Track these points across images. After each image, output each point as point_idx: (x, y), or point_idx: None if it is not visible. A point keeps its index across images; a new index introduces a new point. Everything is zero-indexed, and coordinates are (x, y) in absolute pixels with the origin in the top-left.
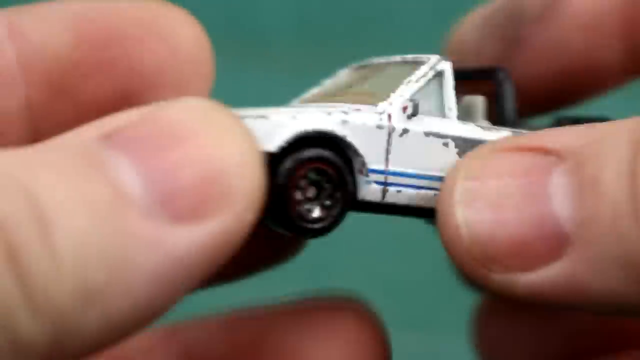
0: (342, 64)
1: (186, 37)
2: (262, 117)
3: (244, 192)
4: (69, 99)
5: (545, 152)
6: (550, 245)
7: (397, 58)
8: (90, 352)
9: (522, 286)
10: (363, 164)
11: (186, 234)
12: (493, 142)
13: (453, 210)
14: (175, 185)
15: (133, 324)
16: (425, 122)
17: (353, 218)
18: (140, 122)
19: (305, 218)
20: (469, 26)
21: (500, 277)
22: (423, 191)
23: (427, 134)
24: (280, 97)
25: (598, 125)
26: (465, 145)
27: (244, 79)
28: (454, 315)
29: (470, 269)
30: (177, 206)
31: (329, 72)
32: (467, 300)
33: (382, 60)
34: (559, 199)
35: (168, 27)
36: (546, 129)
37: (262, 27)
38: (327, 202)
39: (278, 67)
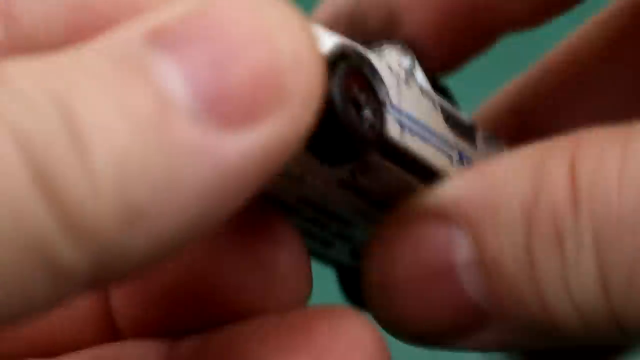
0: None
1: None
2: None
3: (301, 89)
4: None
5: (448, 222)
6: (473, 323)
7: None
8: (137, 271)
9: (458, 346)
10: (387, 94)
11: (237, 140)
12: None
13: (373, 311)
14: (224, 86)
15: (181, 241)
16: (419, 78)
17: None
18: (187, 18)
19: (360, 128)
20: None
21: (437, 345)
22: (429, 146)
23: (422, 90)
24: None
25: (493, 182)
26: (445, 114)
27: None
28: None
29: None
30: (227, 109)
31: None
32: None
33: None
34: (469, 280)
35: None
36: (448, 181)
37: None
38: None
39: None
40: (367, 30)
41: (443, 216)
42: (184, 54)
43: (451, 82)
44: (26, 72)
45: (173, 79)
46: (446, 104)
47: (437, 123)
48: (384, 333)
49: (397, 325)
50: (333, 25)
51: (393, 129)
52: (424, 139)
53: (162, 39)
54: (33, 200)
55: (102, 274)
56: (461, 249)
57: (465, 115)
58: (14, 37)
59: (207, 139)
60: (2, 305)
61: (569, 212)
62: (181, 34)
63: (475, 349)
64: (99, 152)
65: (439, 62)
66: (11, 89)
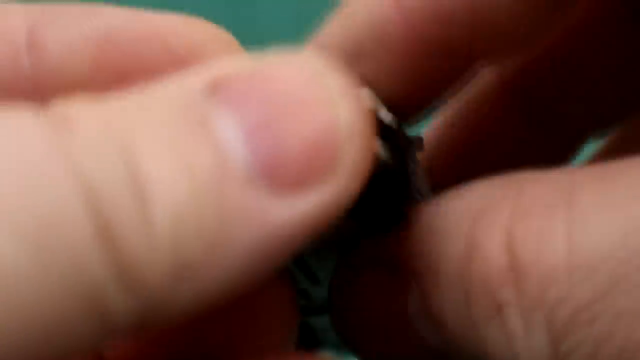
0: None
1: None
2: None
3: (353, 161)
4: None
5: (395, 271)
6: (436, 356)
7: None
8: (177, 321)
9: None
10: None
11: (288, 206)
12: None
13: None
14: (281, 152)
15: (223, 295)
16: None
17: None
18: (250, 77)
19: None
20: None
21: None
22: None
23: None
24: None
25: (432, 238)
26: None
27: None
28: None
29: None
30: (281, 175)
31: None
32: None
33: None
34: (425, 329)
35: (201, 60)
36: (392, 234)
37: (262, 27)
38: None
39: None
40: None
41: (392, 264)
42: (246, 111)
43: None
44: (91, 115)
45: (234, 137)
46: None
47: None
48: None
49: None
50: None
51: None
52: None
53: (225, 93)
54: (92, 248)
55: (146, 322)
56: (412, 300)
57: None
58: (40, 68)
59: (259, 202)
60: (47, 345)
61: (508, 285)
62: (245, 90)
63: None
64: (159, 206)
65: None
66: (77, 134)
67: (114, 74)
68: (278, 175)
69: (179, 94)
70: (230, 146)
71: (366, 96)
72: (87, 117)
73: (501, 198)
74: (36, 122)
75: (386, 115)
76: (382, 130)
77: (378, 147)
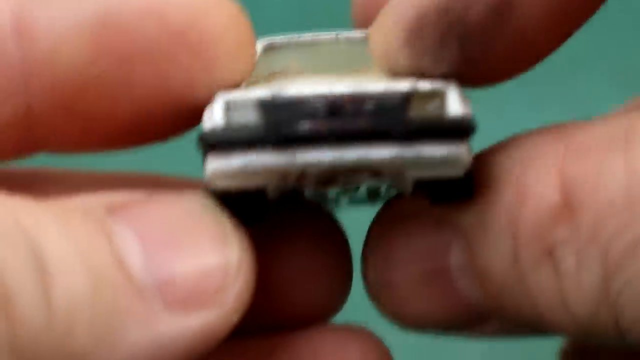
0: None
1: (226, 46)
2: None
3: (236, 294)
4: (78, 116)
5: (441, 226)
6: (474, 319)
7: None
8: None
9: (465, 336)
10: None
11: (176, 321)
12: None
13: (378, 307)
14: (172, 274)
15: None
16: None
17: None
18: (144, 204)
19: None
20: (393, 42)
21: (446, 335)
22: None
23: None
24: None
25: (481, 192)
26: None
27: None
28: None
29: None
30: (171, 294)
31: None
32: None
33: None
34: (465, 284)
35: (206, 36)
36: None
37: (262, 27)
38: None
39: None
40: (465, 26)
41: (437, 219)
42: (143, 229)
43: None
44: (2, 205)
45: (131, 249)
46: None
47: None
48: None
49: (398, 320)
50: (419, 23)
51: None
52: None
53: (124, 212)
54: None
55: None
56: (454, 254)
57: None
58: (30, 58)
59: (150, 310)
60: None
61: (561, 225)
62: (143, 212)
63: (482, 337)
64: (58, 288)
65: (548, 49)
66: (2, 220)
67: (113, 60)
68: (168, 293)
69: (83, 205)
70: (128, 255)
71: (458, 97)
72: None
73: (552, 143)
74: None
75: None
76: (469, 132)
77: (466, 152)
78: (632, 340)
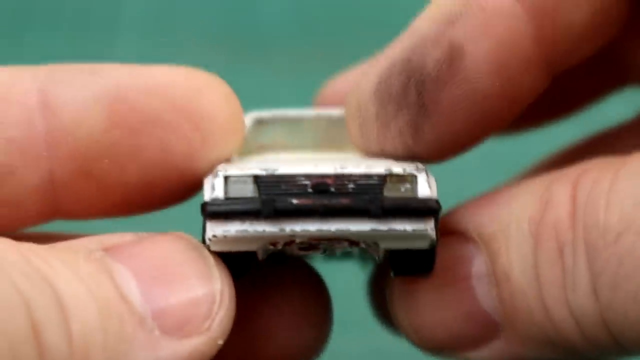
0: (343, 64)
1: (221, 121)
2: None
3: (221, 321)
4: (94, 180)
5: (466, 238)
6: (486, 333)
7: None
8: None
9: (473, 358)
10: None
11: (173, 345)
12: None
13: (395, 316)
14: (165, 305)
15: None
16: None
17: None
18: (136, 244)
19: None
20: (366, 90)
21: (453, 355)
22: None
23: None
24: (280, 97)
25: (505, 204)
26: None
27: (243, 79)
28: None
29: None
30: (166, 322)
31: (329, 72)
32: None
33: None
34: (483, 291)
35: (204, 112)
36: (463, 206)
37: (262, 27)
38: None
39: (278, 67)
40: (424, 74)
41: (462, 233)
42: (137, 269)
43: None
44: (13, 251)
45: (130, 285)
46: None
47: None
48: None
49: (416, 333)
50: (389, 74)
51: None
52: None
53: (119, 252)
54: (26, 345)
55: None
56: (476, 263)
57: None
58: (54, 128)
59: (151, 336)
60: None
61: (568, 227)
62: (133, 254)
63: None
64: (75, 321)
65: (503, 108)
66: (9, 262)
67: (125, 129)
68: (164, 322)
69: (83, 249)
70: (128, 291)
71: (426, 180)
72: (6, 249)
73: (572, 168)
74: None
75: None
76: (435, 212)
77: (432, 228)
78: (624, 342)
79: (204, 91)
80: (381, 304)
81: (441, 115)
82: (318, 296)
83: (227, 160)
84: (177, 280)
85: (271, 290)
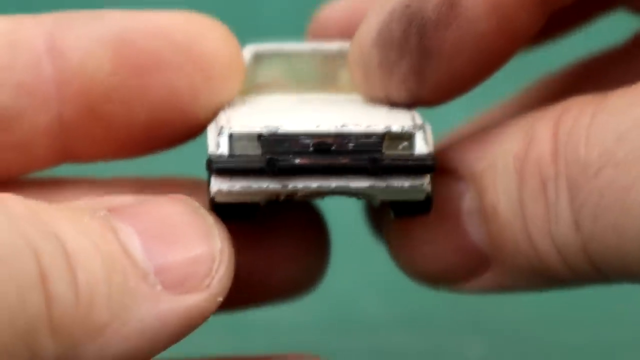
0: None
1: (221, 61)
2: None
3: (221, 279)
4: (101, 122)
5: (456, 176)
6: (476, 265)
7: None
8: None
9: (467, 289)
10: None
11: (174, 300)
12: None
13: (391, 250)
14: (167, 262)
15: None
16: None
17: (350, 215)
18: (139, 206)
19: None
20: (367, 37)
21: (447, 287)
22: None
23: None
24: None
25: (493, 142)
26: None
27: None
28: (454, 315)
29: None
30: (167, 278)
31: None
32: (468, 301)
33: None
34: (473, 226)
35: (206, 52)
36: (454, 145)
37: (262, 27)
38: None
39: None
40: (424, 17)
41: (453, 171)
42: (139, 227)
43: None
44: (20, 204)
45: (133, 241)
46: None
47: None
48: None
49: (413, 267)
50: (389, 20)
51: None
52: None
53: (121, 213)
54: (34, 288)
55: None
56: (467, 199)
57: None
58: (62, 72)
59: (153, 291)
60: None
61: (551, 163)
62: (136, 213)
63: (482, 292)
64: (80, 271)
65: (501, 47)
66: (16, 212)
67: (131, 70)
68: (165, 278)
69: (88, 208)
70: (132, 247)
71: (424, 138)
72: (15, 203)
73: (555, 106)
74: None
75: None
76: (431, 169)
77: (427, 183)
78: (605, 270)
79: (204, 33)
80: (378, 226)
81: (443, 58)
82: (316, 227)
83: (229, 103)
84: (177, 240)
85: (270, 222)
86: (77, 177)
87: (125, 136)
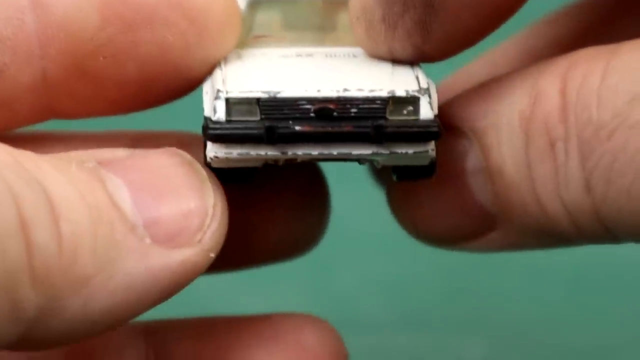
0: None
1: (215, 15)
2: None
3: (213, 232)
4: (89, 79)
5: (459, 133)
6: (482, 224)
7: None
8: (66, 339)
9: (471, 248)
10: None
11: (163, 254)
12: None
13: (395, 210)
14: (157, 215)
15: (106, 322)
16: None
17: (350, 215)
18: (130, 158)
19: None
20: None
21: (452, 246)
22: None
23: None
24: None
25: (495, 97)
26: None
27: None
28: (454, 315)
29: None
30: (157, 231)
31: None
32: (468, 301)
33: None
34: (478, 185)
35: (198, 6)
36: (456, 100)
37: None
38: None
39: None
40: None
41: (455, 128)
42: (130, 180)
43: None
44: (8, 154)
45: (122, 193)
46: None
47: None
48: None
49: (416, 226)
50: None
51: None
52: None
53: (111, 166)
54: (14, 237)
55: (41, 326)
56: (471, 158)
57: None
58: (45, 25)
59: (141, 245)
60: None
61: (559, 122)
62: (127, 166)
63: (487, 250)
64: (64, 221)
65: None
66: (11, 165)
67: (119, 25)
68: (155, 231)
69: (77, 159)
70: (120, 199)
71: (428, 103)
72: (4, 156)
73: (561, 59)
74: None
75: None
76: (436, 136)
77: (431, 149)
78: (615, 230)
79: None
80: (382, 184)
81: (448, 11)
82: (316, 185)
83: (225, 58)
84: (169, 192)
85: (269, 180)
86: (69, 131)
87: (115, 93)
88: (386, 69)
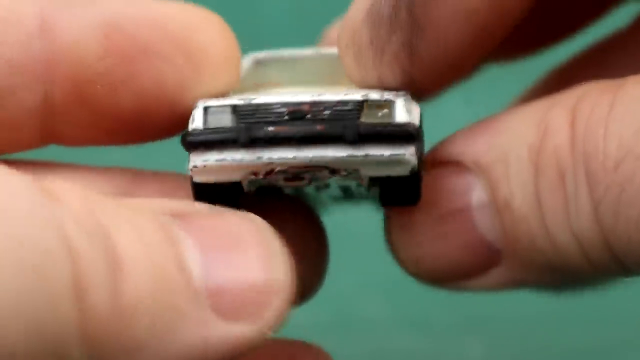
0: None
1: (214, 54)
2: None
3: (277, 310)
4: (88, 106)
5: (462, 168)
6: (486, 261)
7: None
8: None
9: (473, 287)
10: None
11: (223, 326)
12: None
13: (393, 248)
14: (223, 284)
15: None
16: None
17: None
18: (206, 216)
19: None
20: (357, 17)
21: (453, 285)
22: None
23: None
24: None
25: (502, 131)
26: None
27: None
28: (454, 315)
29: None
30: (220, 301)
31: None
32: (468, 301)
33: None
34: (483, 221)
35: (197, 44)
36: (456, 136)
37: (262, 27)
38: None
39: None
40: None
41: (459, 163)
42: (201, 241)
43: None
44: (75, 197)
45: (191, 256)
46: None
47: None
48: None
49: (416, 264)
50: None
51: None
52: None
53: (187, 221)
54: (65, 301)
55: None
56: (476, 193)
57: None
58: (52, 51)
59: (202, 313)
60: None
61: (569, 154)
62: (201, 225)
63: (490, 289)
64: (127, 282)
65: (493, 23)
66: (66, 207)
67: (119, 56)
68: (218, 301)
69: (151, 210)
70: (188, 262)
71: (404, 106)
72: (71, 197)
73: (569, 93)
74: (29, 187)
75: (418, 121)
76: (413, 137)
77: (411, 154)
78: (626, 263)
79: (198, 25)
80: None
81: (434, 32)
82: (313, 231)
83: (223, 96)
84: (239, 262)
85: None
86: (73, 164)
87: (112, 122)
88: (372, 91)
